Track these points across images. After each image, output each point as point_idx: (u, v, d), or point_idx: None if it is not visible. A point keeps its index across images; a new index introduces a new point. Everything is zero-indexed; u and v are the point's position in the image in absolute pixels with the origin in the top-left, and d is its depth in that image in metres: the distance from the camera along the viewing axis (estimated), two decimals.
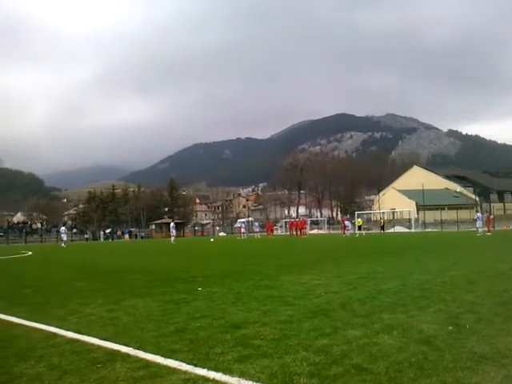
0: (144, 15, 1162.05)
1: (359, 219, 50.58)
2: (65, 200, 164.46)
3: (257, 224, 58.21)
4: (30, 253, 29.49)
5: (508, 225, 50.95)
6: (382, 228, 53.77)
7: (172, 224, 42.96)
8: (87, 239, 66.81)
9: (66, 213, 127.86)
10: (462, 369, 3.70)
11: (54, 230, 77.56)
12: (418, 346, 4.36)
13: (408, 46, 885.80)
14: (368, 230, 59.11)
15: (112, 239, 68.23)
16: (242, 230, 52.18)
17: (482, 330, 4.94)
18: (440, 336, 4.73)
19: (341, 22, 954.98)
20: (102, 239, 66.34)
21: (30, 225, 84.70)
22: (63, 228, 46.93)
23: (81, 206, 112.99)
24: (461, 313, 5.81)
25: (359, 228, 47.15)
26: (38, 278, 12.56)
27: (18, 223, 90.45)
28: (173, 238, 40.03)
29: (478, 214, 38.73)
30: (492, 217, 44.90)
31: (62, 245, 40.85)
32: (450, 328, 5.04)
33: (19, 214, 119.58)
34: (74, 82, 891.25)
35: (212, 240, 45.10)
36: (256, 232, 53.84)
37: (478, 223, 36.76)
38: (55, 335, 5.47)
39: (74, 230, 77.44)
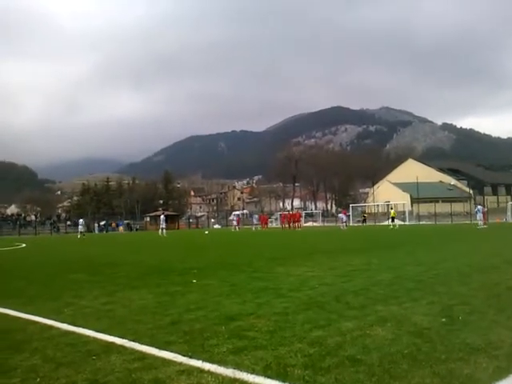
0: (142, 9, 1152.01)
1: (393, 210, 47.42)
2: (59, 192, 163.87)
3: (256, 216, 58.59)
4: (24, 245, 29.43)
5: (501, 218, 51.29)
6: (364, 221, 57.53)
7: (162, 217, 42.85)
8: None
9: (60, 205, 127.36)
10: (455, 360, 3.74)
11: (48, 222, 77.42)
12: (412, 338, 4.39)
13: (403, 40, 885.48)
14: (362, 222, 59.83)
15: (106, 231, 68.11)
16: (234, 222, 52.26)
17: (474, 321, 4.98)
18: (433, 328, 4.76)
19: (336, 18, 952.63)
20: (96, 231, 66.18)
21: (24, 217, 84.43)
22: (81, 220, 47.86)
23: (75, 198, 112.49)
24: (454, 305, 5.84)
25: (393, 219, 44.67)
26: (33, 271, 12.54)
27: (12, 215, 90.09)
28: (163, 231, 39.80)
29: (479, 207, 38.39)
30: (485, 209, 45.16)
31: (78, 236, 41.58)
32: (443, 320, 5.07)
33: (13, 206, 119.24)
34: (70, 74, 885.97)
35: (207, 232, 45.13)
36: (254, 224, 53.98)
37: (479, 215, 36.44)
38: (50, 327, 5.47)
39: (68, 223, 77.21)
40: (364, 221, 58.12)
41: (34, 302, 7.30)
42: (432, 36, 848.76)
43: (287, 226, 50.18)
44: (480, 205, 41.47)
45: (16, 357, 4.31)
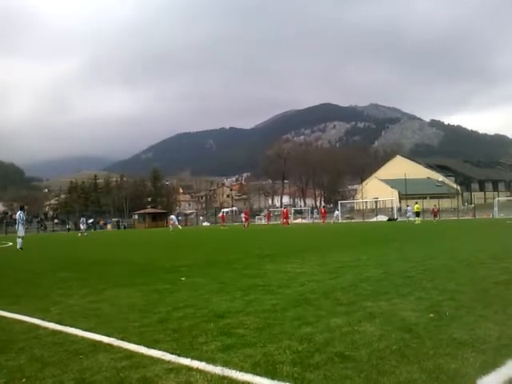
0: (132, 6, 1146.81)
1: (417, 205, 45.91)
2: (46, 190, 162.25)
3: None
4: (11, 243, 29.07)
5: (488, 214, 51.90)
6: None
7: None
8: (69, 229, 66.13)
9: (47, 203, 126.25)
10: (443, 355, 3.76)
11: (35, 220, 76.71)
12: (400, 334, 4.41)
13: (392, 38, 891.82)
14: (351, 219, 60.21)
15: (94, 229, 67.63)
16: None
17: (462, 317, 5.01)
18: (421, 323, 4.78)
19: (327, 16, 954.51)
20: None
21: (11, 215, 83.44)
22: (83, 218, 48.01)
23: (62, 196, 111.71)
24: (442, 300, 5.88)
25: (417, 214, 44.14)
26: (19, 269, 12.40)
27: None
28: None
29: (409, 208, 48.50)
30: (436, 208, 50.21)
31: (79, 235, 42.20)
32: (431, 315, 5.10)
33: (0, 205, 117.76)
34: (58, 72, 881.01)
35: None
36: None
37: (409, 214, 46.90)
38: (37, 327, 5.40)
39: (56, 221, 76.60)
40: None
41: (21, 300, 7.21)
42: (421, 34, 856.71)
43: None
44: (410, 206, 49.40)
45: (1, 357, 4.25)
